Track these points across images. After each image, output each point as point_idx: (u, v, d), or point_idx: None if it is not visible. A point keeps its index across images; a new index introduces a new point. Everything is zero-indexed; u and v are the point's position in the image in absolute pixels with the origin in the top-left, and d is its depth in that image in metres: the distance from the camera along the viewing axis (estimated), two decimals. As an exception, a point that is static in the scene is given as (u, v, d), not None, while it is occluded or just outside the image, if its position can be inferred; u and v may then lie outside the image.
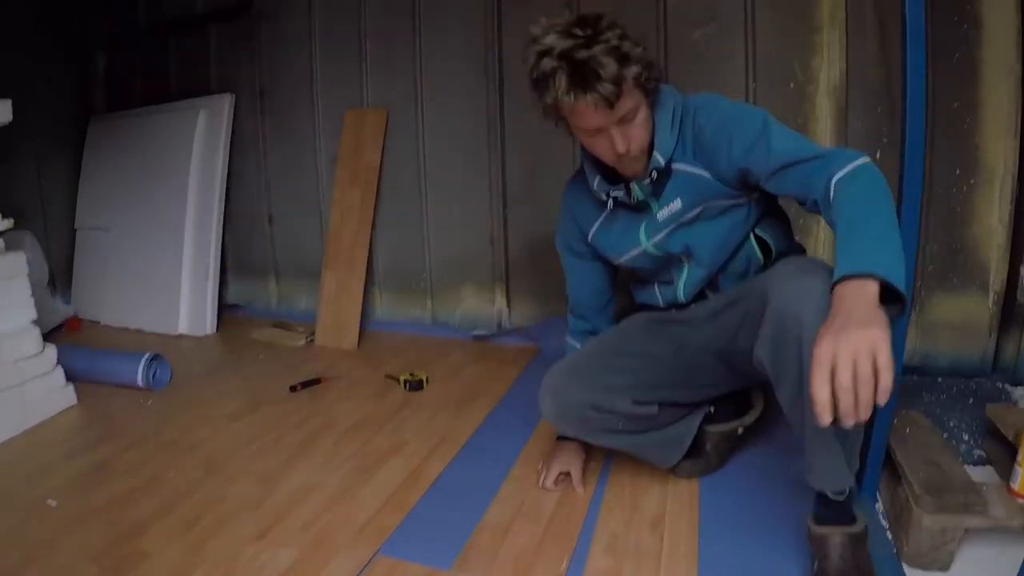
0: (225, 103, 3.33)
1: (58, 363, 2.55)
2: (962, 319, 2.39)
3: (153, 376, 2.65)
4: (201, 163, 3.31)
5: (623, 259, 1.66)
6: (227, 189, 3.35)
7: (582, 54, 1.27)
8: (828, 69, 2.40)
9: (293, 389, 2.54)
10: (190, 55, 3.48)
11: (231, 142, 3.34)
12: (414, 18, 2.95)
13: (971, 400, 2.18)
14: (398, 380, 2.53)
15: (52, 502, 1.93)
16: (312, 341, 3.09)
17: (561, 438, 1.80)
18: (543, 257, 2.85)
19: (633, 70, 1.31)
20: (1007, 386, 2.31)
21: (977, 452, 1.84)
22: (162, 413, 2.48)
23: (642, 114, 1.40)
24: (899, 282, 1.02)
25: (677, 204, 1.51)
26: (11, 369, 2.40)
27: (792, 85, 2.45)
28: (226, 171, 3.33)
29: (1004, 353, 2.41)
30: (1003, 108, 2.23)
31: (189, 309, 3.32)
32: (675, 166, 1.50)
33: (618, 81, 1.29)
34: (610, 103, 1.31)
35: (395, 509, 1.76)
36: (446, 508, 1.75)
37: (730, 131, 1.40)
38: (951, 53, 2.25)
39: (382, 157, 3.05)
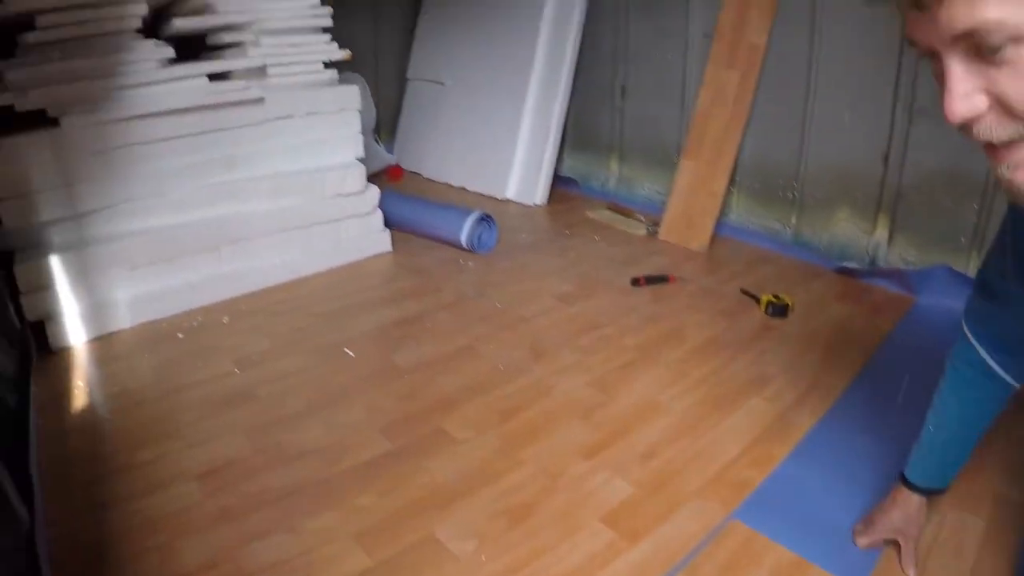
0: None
1: (378, 206, 2.43)
2: None
3: (479, 238, 2.49)
4: (552, 26, 3.01)
5: None
6: (579, 55, 3.02)
7: None
8: None
9: (636, 282, 2.28)
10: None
11: (589, 4, 2.97)
12: None
13: None
14: (758, 300, 2.13)
15: (350, 352, 1.80)
16: (655, 233, 2.73)
17: (905, 482, 1.18)
18: (942, 193, 2.18)
19: None
20: None
21: None
22: (484, 279, 2.32)
23: None
24: None
25: None
26: (330, 203, 2.33)
27: None
28: (580, 36, 2.99)
29: None
30: None
31: (520, 175, 3.14)
32: None
33: None
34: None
35: (755, 463, 1.41)
36: (821, 481, 1.36)
37: None
38: None
39: (768, 39, 2.50)
